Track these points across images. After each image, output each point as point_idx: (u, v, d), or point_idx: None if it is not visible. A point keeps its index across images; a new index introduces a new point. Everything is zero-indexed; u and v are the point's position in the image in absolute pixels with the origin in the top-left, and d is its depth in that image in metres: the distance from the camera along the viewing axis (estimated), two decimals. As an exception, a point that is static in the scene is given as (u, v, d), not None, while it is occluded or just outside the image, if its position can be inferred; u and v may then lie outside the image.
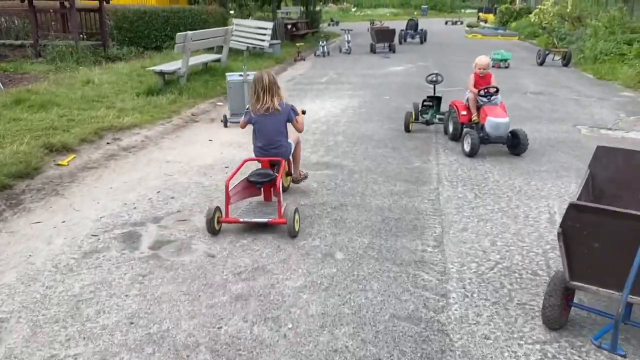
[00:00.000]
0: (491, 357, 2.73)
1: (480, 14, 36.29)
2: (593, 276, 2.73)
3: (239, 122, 7.63)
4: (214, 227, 4.12)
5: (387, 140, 6.95)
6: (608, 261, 2.64)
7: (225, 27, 13.32)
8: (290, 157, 4.87)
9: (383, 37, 18.22)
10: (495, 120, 6.07)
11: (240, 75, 7.91)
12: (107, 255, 3.84)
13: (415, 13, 44.25)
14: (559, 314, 2.87)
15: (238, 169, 4.48)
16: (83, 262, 3.75)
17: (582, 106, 9.11)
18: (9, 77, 10.27)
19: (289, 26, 20.61)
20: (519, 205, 4.75)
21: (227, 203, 4.23)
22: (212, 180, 5.41)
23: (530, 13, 24.02)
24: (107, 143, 6.54)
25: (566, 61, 14.38)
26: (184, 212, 4.61)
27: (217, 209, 4.18)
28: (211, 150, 6.57)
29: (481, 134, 6.21)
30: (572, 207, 2.65)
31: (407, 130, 7.32)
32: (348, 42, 18.22)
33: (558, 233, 2.72)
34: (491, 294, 3.31)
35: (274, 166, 4.55)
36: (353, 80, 12.20)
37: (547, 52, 14.86)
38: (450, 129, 6.87)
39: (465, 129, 6.53)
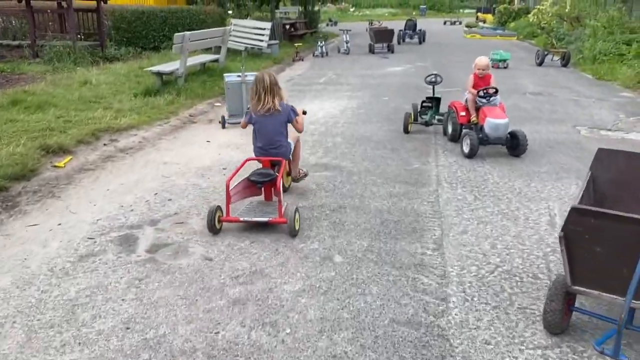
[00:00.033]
0: (492, 363, 2.70)
1: (479, 14, 36.26)
2: (595, 281, 2.69)
3: (236, 123, 7.68)
4: (214, 227, 4.15)
5: (386, 141, 6.92)
6: (610, 265, 2.61)
7: (224, 28, 13.27)
8: (290, 157, 4.87)
9: (382, 38, 18.20)
10: (495, 121, 6.04)
11: (239, 76, 7.87)
12: (104, 259, 3.80)
13: (414, 13, 44.23)
14: (560, 318, 2.84)
15: (239, 169, 4.48)
16: (79, 265, 3.71)
17: (581, 107, 9.08)
18: (6, 78, 10.21)
19: (288, 26, 20.57)
20: (519, 207, 4.71)
21: (228, 202, 4.24)
22: (210, 182, 5.37)
23: (529, 13, 24.06)
24: (104, 144, 6.49)
25: (565, 61, 14.37)
26: (181, 215, 4.57)
27: (218, 208, 4.21)
28: (209, 151, 6.53)
29: (480, 135, 6.18)
30: (573, 210, 2.61)
31: (406, 131, 7.29)
32: (347, 42, 18.19)
33: (560, 237, 2.69)
34: (491, 298, 3.28)
35: (274, 166, 4.56)
36: (352, 80, 12.17)
37: (546, 53, 14.84)
38: (450, 129, 6.84)
39: (464, 130, 6.50)
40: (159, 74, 9.66)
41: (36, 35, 13.03)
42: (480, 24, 32.30)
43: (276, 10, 21.72)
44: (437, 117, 7.36)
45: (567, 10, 19.35)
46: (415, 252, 3.87)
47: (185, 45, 9.47)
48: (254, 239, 4.10)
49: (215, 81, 10.44)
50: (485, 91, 6.32)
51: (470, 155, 6.10)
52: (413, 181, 5.39)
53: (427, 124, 7.33)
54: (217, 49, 12.34)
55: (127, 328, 2.99)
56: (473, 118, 6.46)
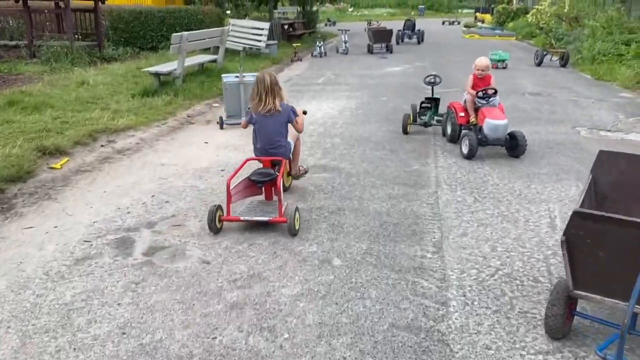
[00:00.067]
0: (493, 369, 2.67)
1: (478, 14, 36.30)
2: (597, 285, 2.66)
3: (234, 124, 7.64)
4: (215, 226, 4.15)
5: (385, 142, 6.88)
6: (613, 270, 2.58)
7: (222, 28, 13.24)
8: (291, 156, 4.88)
9: (380, 38, 18.17)
10: (494, 122, 6.00)
11: (237, 76, 7.83)
12: (100, 262, 3.75)
13: (413, 13, 44.23)
14: (562, 323, 2.80)
15: (239, 169, 4.48)
16: (75, 269, 3.66)
17: (580, 107, 9.06)
18: (3, 78, 10.16)
19: (286, 26, 20.53)
20: (519, 210, 4.68)
21: (229, 202, 4.24)
22: (208, 184, 5.32)
23: (528, 13, 24.05)
24: (101, 146, 6.45)
25: (564, 62, 14.35)
26: (179, 217, 4.53)
27: (219, 207, 4.22)
28: (207, 152, 6.49)
29: (479, 136, 6.15)
30: (575, 214, 2.58)
31: (405, 132, 7.25)
32: (345, 42, 18.16)
33: (562, 241, 2.65)
34: (492, 302, 3.24)
35: (275, 166, 4.56)
36: (350, 81, 12.14)
37: (544, 53, 14.81)
38: (449, 130, 6.80)
39: (463, 131, 6.47)
40: (157, 75, 9.62)
41: (33, 36, 12.99)
42: (479, 24, 32.33)
43: (274, 11, 21.70)
44: (436, 117, 7.32)
45: (565, 10, 19.34)
46: (415, 255, 3.83)
47: (183, 45, 9.42)
48: (252, 241, 4.06)
49: (213, 82, 10.39)
50: (484, 92, 6.28)
51: (470, 156, 6.07)
52: (412, 183, 5.35)
53: (426, 124, 7.29)
54: (215, 49, 12.30)
55: (123, 333, 2.95)
56: (472, 119, 6.43)
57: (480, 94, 6.28)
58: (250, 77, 7.78)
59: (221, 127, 7.65)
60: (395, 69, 14.08)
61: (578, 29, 16.96)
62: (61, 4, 13.21)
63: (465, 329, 2.98)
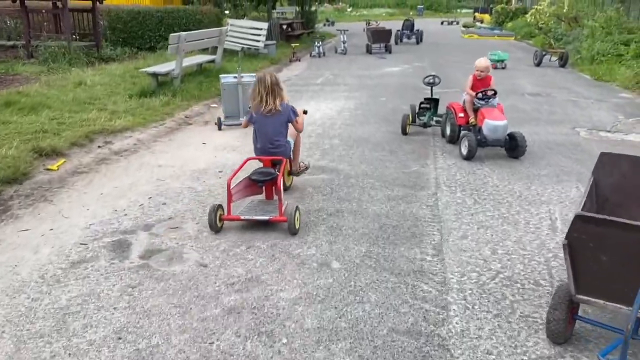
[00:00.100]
0: (494, 374, 2.63)
1: (476, 14, 36.24)
2: (600, 289, 2.62)
3: (233, 125, 7.59)
4: (216, 225, 4.15)
5: (384, 143, 6.84)
6: (616, 274, 2.54)
7: (220, 28, 13.19)
8: (291, 155, 4.88)
9: (379, 38, 18.13)
10: (493, 123, 5.97)
11: (235, 77, 7.79)
12: (96, 265, 3.71)
13: (411, 13, 44.17)
14: (563, 328, 2.76)
15: (239, 168, 4.48)
16: (71, 272, 3.62)
17: (580, 108, 9.03)
18: (0, 79, 10.10)
19: (284, 26, 20.47)
20: (520, 211, 4.64)
21: (229, 201, 4.24)
22: (205, 186, 5.28)
23: (527, 13, 24.03)
24: (98, 147, 6.40)
25: (563, 62, 14.32)
26: (176, 219, 4.48)
27: (219, 206, 4.22)
28: (204, 153, 6.45)
29: (479, 137, 6.11)
30: (578, 218, 2.54)
31: (404, 132, 7.21)
32: (344, 42, 18.11)
33: (564, 245, 2.61)
34: (493, 306, 3.20)
35: (275, 165, 4.55)
36: (349, 81, 12.10)
37: (544, 53, 14.78)
38: (448, 131, 6.77)
39: (462, 132, 6.43)
40: (155, 75, 9.57)
41: (31, 36, 12.92)
42: (478, 24, 32.28)
43: (273, 11, 21.65)
44: (435, 118, 7.29)
45: (564, 10, 19.32)
46: (415, 258, 3.80)
47: (181, 45, 9.37)
48: (250, 244, 4.02)
49: (211, 82, 10.33)
50: (483, 93, 6.25)
51: (469, 157, 6.03)
52: (411, 184, 5.32)
53: (425, 125, 7.26)
54: (214, 50, 12.25)
55: (119, 338, 2.91)
56: (471, 120, 6.39)
57: (479, 94, 6.24)
58: (248, 77, 7.75)
59: (219, 128, 7.61)
60: (394, 69, 14.04)
61: (577, 29, 16.94)
62: (59, 3, 13.14)
63: (466, 333, 2.94)
